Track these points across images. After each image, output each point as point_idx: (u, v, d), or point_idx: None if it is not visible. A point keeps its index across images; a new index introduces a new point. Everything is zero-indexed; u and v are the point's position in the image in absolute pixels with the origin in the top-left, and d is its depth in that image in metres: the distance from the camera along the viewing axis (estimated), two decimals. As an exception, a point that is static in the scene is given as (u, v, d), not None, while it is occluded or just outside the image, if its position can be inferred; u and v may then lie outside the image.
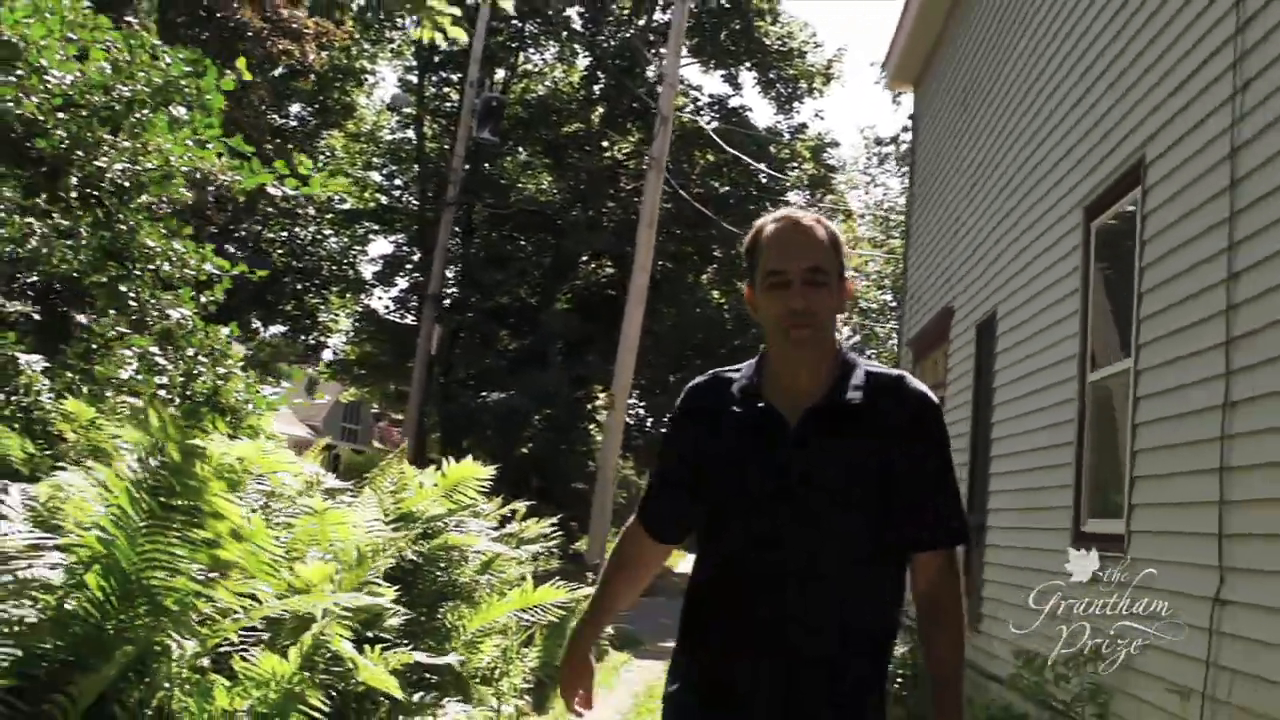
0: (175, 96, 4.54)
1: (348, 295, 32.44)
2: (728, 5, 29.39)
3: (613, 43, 30.06)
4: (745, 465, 2.62)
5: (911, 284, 13.91)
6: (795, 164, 29.98)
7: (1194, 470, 5.03)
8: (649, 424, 31.51)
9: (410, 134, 34.03)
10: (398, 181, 35.65)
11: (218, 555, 3.15)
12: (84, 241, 4.92)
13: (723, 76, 31.17)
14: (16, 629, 3.01)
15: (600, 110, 30.40)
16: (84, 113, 4.30)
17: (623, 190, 29.76)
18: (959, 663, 2.66)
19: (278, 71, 22.71)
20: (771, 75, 30.69)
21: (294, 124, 29.72)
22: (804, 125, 30.98)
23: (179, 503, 3.10)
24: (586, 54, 31.48)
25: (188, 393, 4.83)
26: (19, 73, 4.27)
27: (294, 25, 18.95)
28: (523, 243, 30.46)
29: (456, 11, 4.59)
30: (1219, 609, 4.67)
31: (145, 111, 4.43)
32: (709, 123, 29.40)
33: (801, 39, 30.38)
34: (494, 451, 25.19)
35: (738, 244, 27.93)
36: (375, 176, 35.94)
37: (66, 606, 3.04)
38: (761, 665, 2.54)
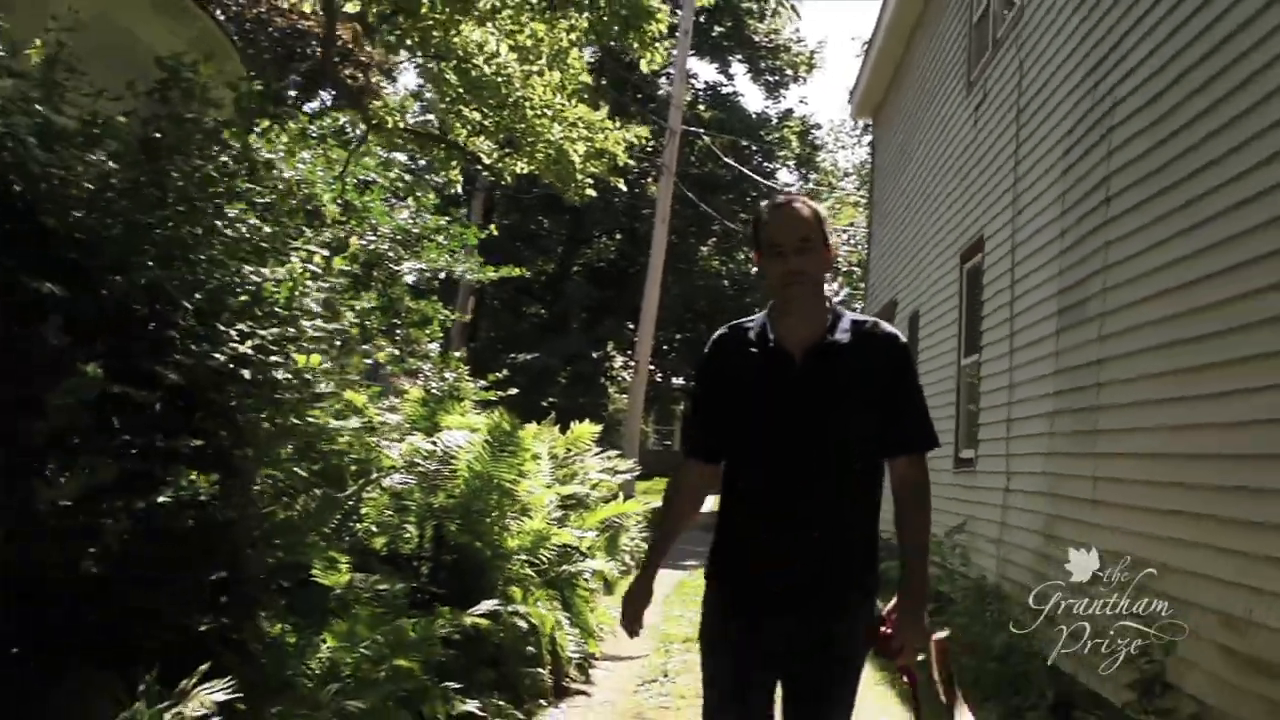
0: (443, 233, 8.33)
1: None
2: (721, 4, 33.06)
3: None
4: (764, 390, 3.28)
5: (872, 276, 17.97)
6: (783, 148, 33.82)
7: (996, 421, 9.11)
8: (659, 378, 35.42)
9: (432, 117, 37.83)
10: (422, 162, 39.52)
11: (521, 469, 7.16)
12: (372, 304, 8.86)
13: (715, 68, 34.86)
14: (431, 504, 7.00)
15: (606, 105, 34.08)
16: (390, 240, 8.10)
17: (632, 172, 33.56)
18: (926, 539, 3.38)
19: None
20: (761, 65, 34.41)
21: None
22: (790, 110, 34.77)
23: (506, 446, 7.09)
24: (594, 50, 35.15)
25: (451, 389, 8.72)
26: (353, 223, 8.07)
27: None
28: (543, 220, 34.18)
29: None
30: (1007, 494, 8.74)
31: (426, 240, 8.18)
32: (705, 110, 33.14)
33: (787, 34, 34.10)
34: (521, 405, 29.13)
35: (736, 220, 31.79)
36: (401, 157, 39.78)
37: (455, 493, 7.02)
38: (782, 540, 3.23)
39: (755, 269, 4.13)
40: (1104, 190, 6.75)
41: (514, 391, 8.36)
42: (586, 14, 6.41)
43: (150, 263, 3.25)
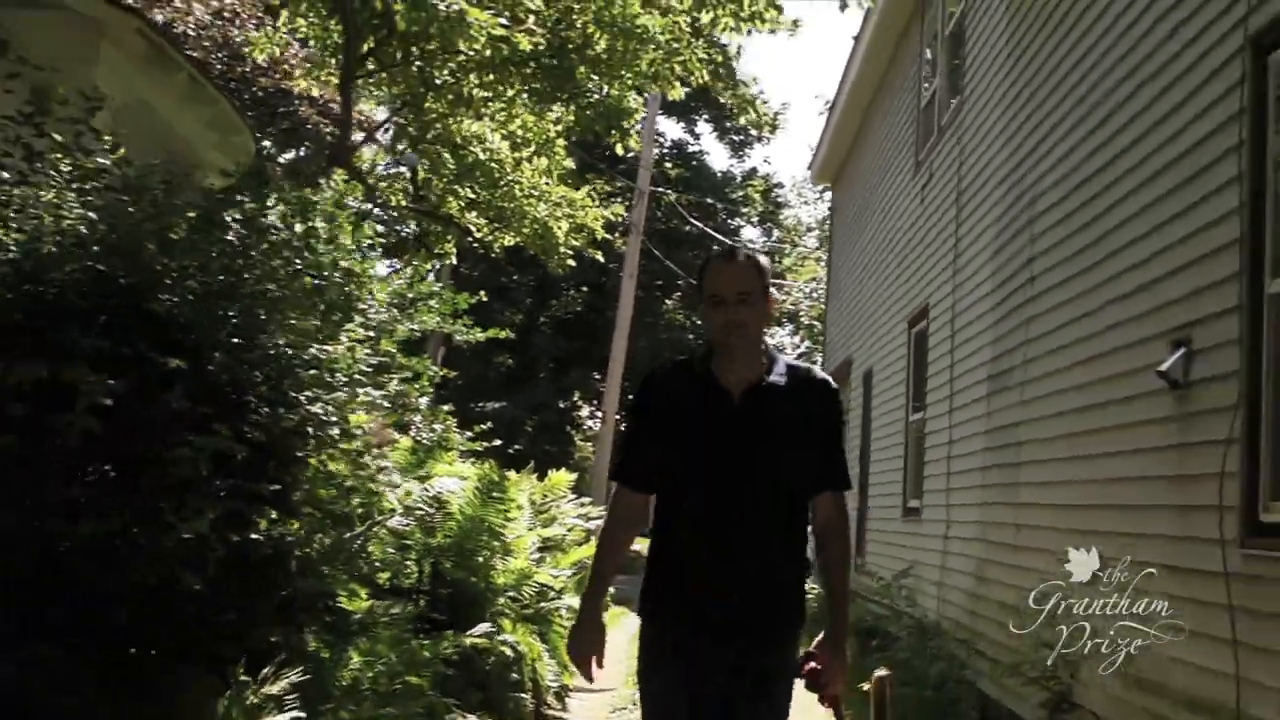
0: (433, 298, 9.15)
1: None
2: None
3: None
4: (703, 424, 3.46)
5: (830, 333, 18.94)
6: (747, 205, 34.93)
7: (938, 474, 10.00)
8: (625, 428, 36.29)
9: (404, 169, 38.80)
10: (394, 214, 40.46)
11: (507, 514, 7.97)
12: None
13: (682, 127, 36.01)
14: (429, 543, 7.78)
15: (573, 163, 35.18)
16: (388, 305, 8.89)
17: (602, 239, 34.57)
18: (846, 573, 3.62)
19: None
20: (726, 125, 35.59)
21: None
22: (754, 170, 35.95)
23: (494, 492, 7.89)
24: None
25: (439, 439, 9.50)
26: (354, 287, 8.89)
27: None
28: (513, 273, 35.06)
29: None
30: (946, 540, 9.60)
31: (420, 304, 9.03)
32: (671, 168, 34.22)
33: (749, 94, 35.28)
34: (489, 453, 29.98)
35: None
36: (377, 210, 40.71)
37: (450, 534, 7.81)
38: (711, 562, 3.40)
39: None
40: (1028, 271, 7.68)
41: (497, 442, 9.11)
42: (573, 107, 7.26)
43: (234, 340, 4.07)
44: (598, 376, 33.14)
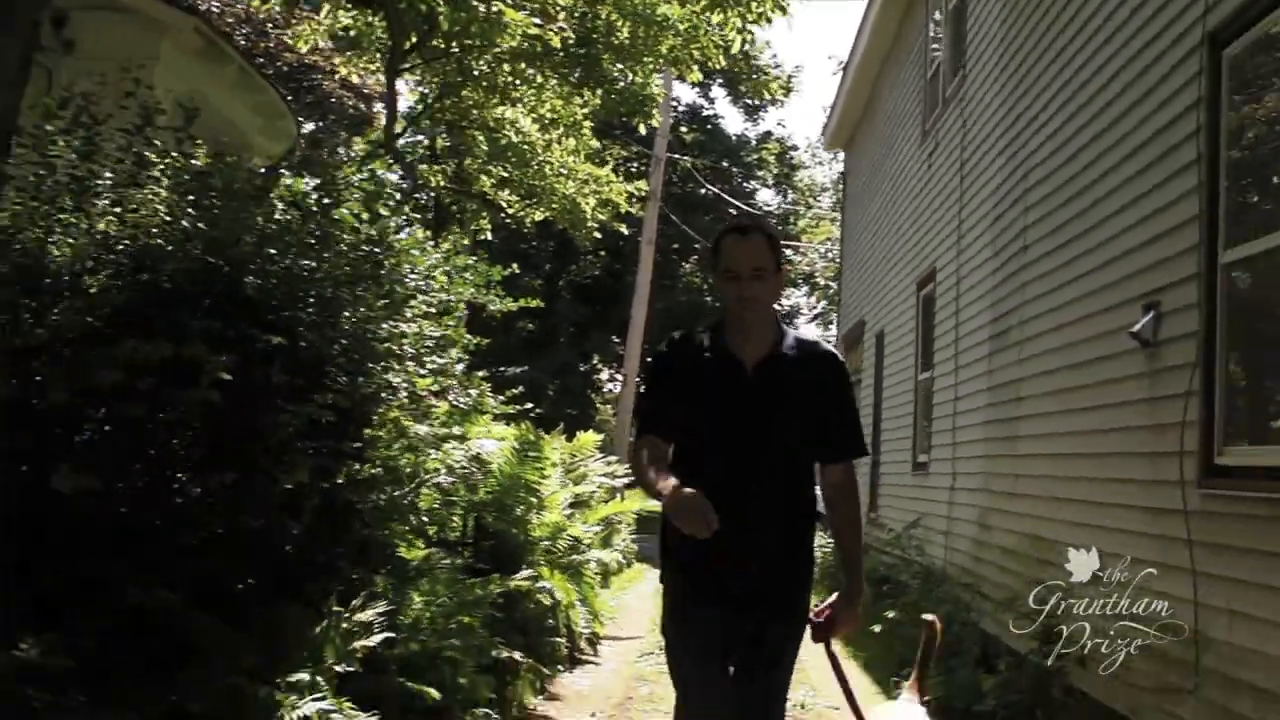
0: (469, 270, 9.75)
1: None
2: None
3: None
4: (717, 393, 3.62)
5: (844, 295, 19.50)
6: (762, 168, 35.40)
7: (944, 429, 10.61)
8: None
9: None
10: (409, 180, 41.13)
11: (542, 472, 8.62)
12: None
13: (697, 92, 36.43)
14: (472, 499, 8.44)
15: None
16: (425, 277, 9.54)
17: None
18: (858, 536, 3.79)
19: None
20: (741, 89, 36.00)
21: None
22: (769, 133, 36.36)
23: (530, 452, 8.54)
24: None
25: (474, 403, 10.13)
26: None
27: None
28: (533, 241, 35.65)
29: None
30: (953, 492, 10.22)
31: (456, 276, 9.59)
32: (686, 133, 34.68)
33: (765, 59, 35.68)
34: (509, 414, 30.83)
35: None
36: (393, 177, 41.34)
37: (491, 490, 8.46)
38: (739, 523, 3.43)
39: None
40: (1022, 239, 8.26)
41: (529, 406, 9.74)
42: (599, 92, 7.84)
43: (316, 318, 4.70)
44: (617, 340, 33.81)
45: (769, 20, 7.53)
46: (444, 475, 8.35)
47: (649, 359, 3.89)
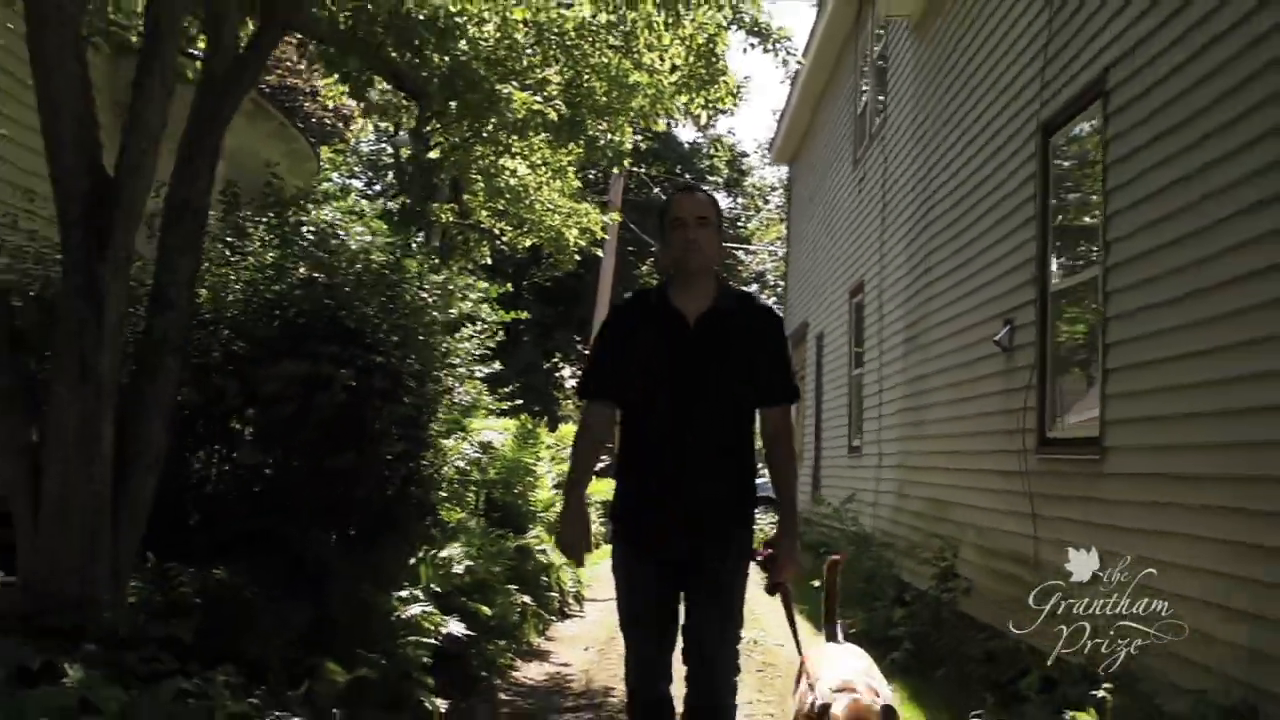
0: (469, 290, 11.52)
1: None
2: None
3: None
4: (664, 346, 3.98)
5: (790, 297, 21.47)
6: (714, 173, 37.35)
7: (872, 417, 12.55)
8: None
9: (388, 146, 40.94)
10: (377, 188, 42.70)
11: (537, 455, 10.46)
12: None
13: (652, 102, 38.24)
14: (483, 479, 10.26)
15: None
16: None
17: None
18: (794, 479, 4.18)
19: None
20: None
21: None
22: (719, 139, 38.31)
23: (528, 440, 10.38)
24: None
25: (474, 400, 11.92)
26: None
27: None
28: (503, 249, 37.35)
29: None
30: (879, 470, 12.13)
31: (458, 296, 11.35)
32: (642, 142, 36.45)
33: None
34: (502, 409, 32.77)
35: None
36: (357, 184, 42.91)
37: (498, 471, 10.28)
38: (678, 473, 3.91)
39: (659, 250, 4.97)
40: (926, 263, 10.21)
41: (519, 402, 11.52)
42: (582, 146, 9.67)
43: (395, 340, 6.54)
44: (578, 339, 35.61)
45: (721, 107, 9.33)
46: (459, 460, 10.22)
47: (604, 321, 4.28)
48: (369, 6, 7.10)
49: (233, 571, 5.55)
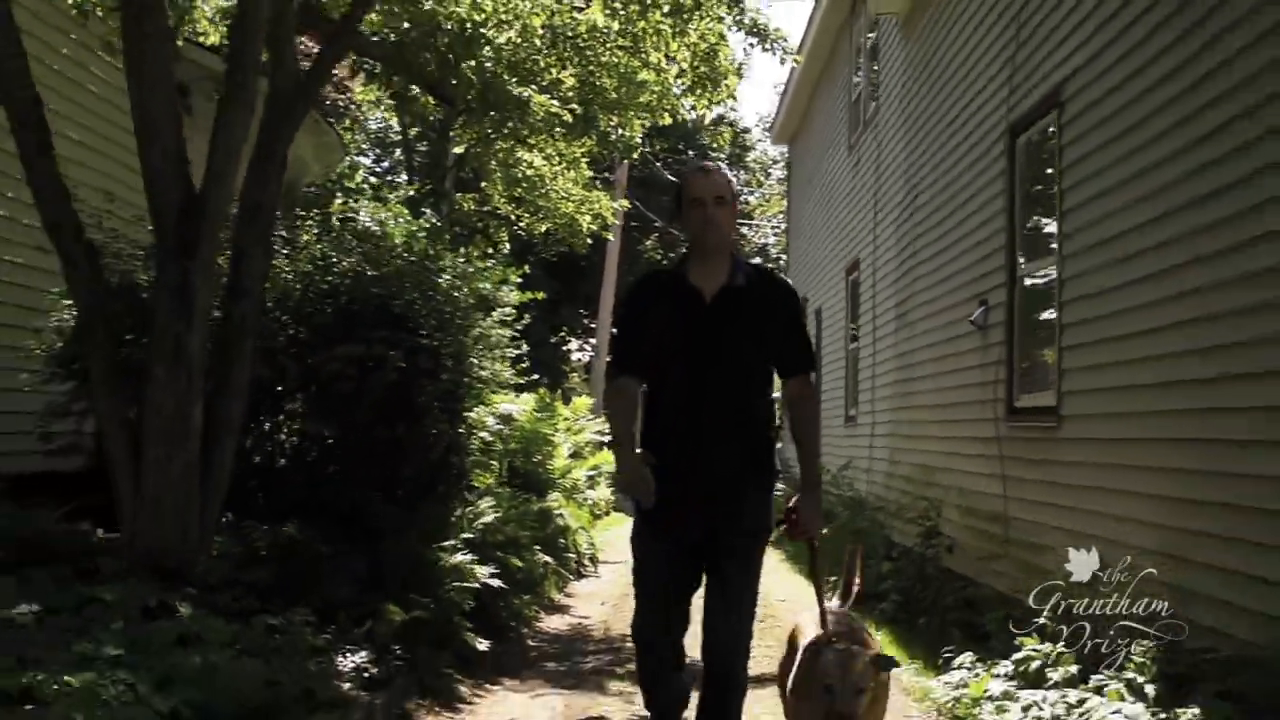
0: (488, 271, 12.32)
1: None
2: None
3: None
4: (681, 321, 4.14)
5: (791, 275, 22.27)
6: (717, 150, 38.05)
7: (867, 389, 13.38)
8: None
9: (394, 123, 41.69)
10: (385, 164, 43.41)
11: (554, 426, 11.30)
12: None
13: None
14: (505, 448, 11.11)
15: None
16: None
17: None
18: (818, 442, 4.31)
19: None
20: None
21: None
22: (721, 116, 38.93)
23: (544, 412, 11.23)
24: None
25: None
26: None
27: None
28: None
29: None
30: (873, 438, 12.97)
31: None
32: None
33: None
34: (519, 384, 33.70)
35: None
36: (365, 161, 43.64)
37: (519, 440, 11.13)
38: (699, 439, 4.09)
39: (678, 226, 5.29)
40: (912, 246, 11.02)
41: (535, 377, 12.35)
42: (594, 140, 10.47)
43: (433, 323, 7.37)
44: (584, 313, 36.42)
45: (730, 99, 10.11)
46: (483, 432, 11.07)
47: (623, 299, 4.46)
48: (407, 26, 7.88)
49: (298, 528, 6.41)
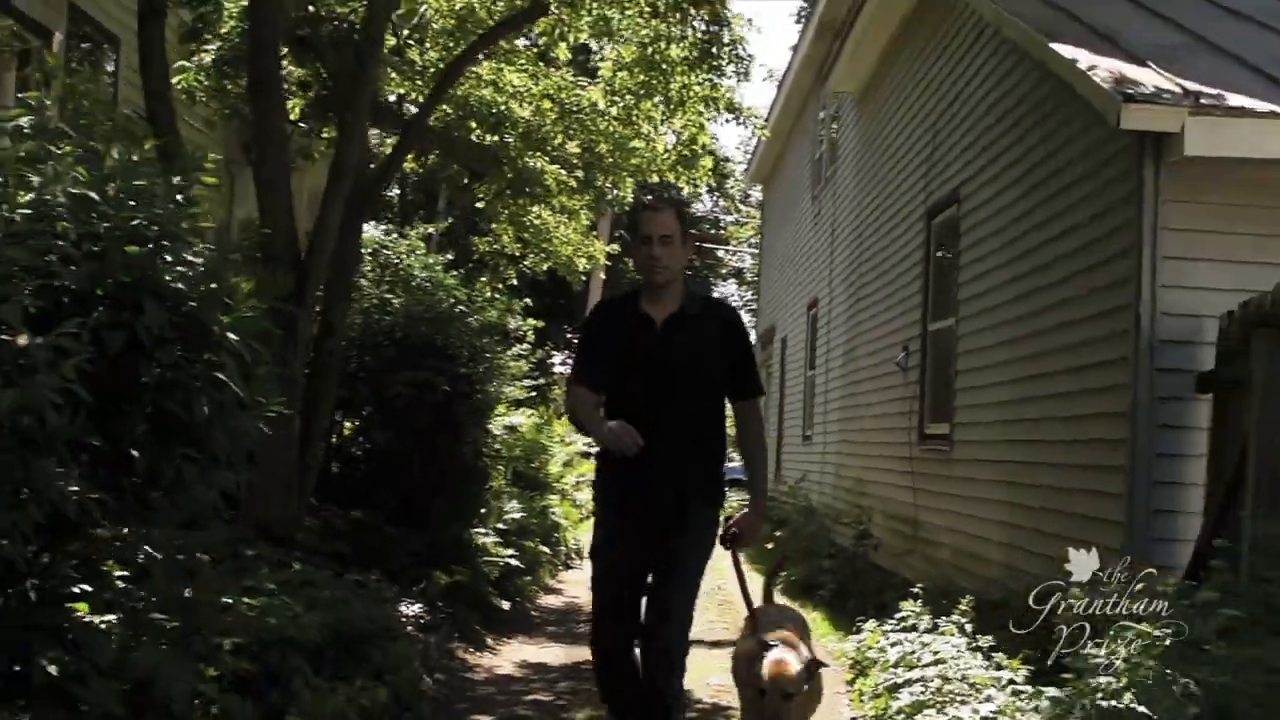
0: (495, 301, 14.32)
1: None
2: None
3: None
4: (633, 348, 4.37)
5: (762, 302, 24.36)
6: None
7: (821, 411, 15.43)
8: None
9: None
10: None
11: (550, 437, 13.27)
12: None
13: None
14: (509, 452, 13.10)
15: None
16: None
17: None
18: (763, 462, 4.67)
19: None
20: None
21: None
22: (704, 146, 40.91)
23: (545, 426, 13.21)
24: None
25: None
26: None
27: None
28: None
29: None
30: (824, 454, 15.02)
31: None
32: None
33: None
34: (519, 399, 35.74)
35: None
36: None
37: (521, 449, 13.10)
38: (650, 451, 4.17)
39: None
40: (859, 293, 13.08)
41: (533, 393, 14.32)
42: (593, 198, 12.53)
43: (465, 354, 9.36)
44: (568, 329, 38.36)
45: (705, 177, 12.21)
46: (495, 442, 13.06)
47: (582, 323, 4.66)
48: (447, 110, 9.92)
49: (365, 513, 8.40)
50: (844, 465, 13.51)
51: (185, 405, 3.67)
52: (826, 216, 15.85)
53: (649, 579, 4.42)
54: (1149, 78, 5.82)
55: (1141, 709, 3.54)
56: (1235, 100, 5.60)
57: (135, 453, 3.69)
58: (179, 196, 4.06)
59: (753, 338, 25.46)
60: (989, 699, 5.08)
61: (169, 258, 3.71)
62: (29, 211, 3.57)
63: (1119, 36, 6.65)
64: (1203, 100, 5.53)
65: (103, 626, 4.01)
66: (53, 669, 3.66)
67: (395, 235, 12.81)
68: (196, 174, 4.61)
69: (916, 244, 10.43)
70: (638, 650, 4.44)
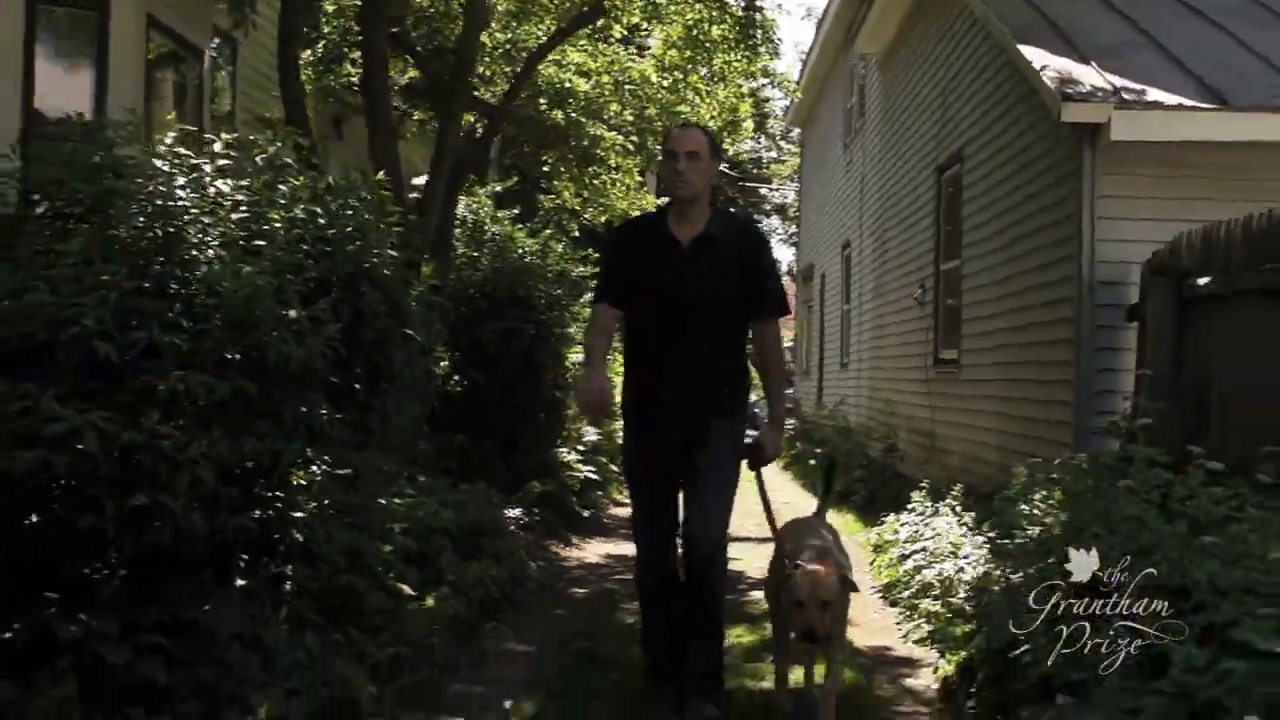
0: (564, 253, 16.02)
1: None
2: None
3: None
4: (659, 267, 4.41)
5: (802, 239, 25.87)
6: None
7: (858, 343, 17.05)
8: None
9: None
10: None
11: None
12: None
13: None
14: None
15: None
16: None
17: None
18: (782, 381, 4.75)
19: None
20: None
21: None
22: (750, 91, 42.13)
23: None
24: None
25: None
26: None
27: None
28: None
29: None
30: (858, 381, 16.65)
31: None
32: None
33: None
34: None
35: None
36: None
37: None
38: (672, 372, 4.39)
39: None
40: (883, 236, 14.62)
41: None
42: (645, 159, 14.21)
43: (543, 303, 11.04)
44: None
45: (750, 138, 13.81)
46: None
47: (607, 242, 4.43)
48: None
49: (466, 437, 10.16)
50: (875, 389, 15.13)
51: (388, 357, 5.41)
52: (857, 166, 17.32)
53: (679, 480, 4.54)
54: (1089, 76, 7.36)
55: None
56: (1153, 95, 7.14)
57: (357, 386, 5.44)
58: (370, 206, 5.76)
59: (794, 270, 27.02)
60: (966, 556, 6.75)
61: (376, 251, 5.43)
62: (280, 225, 5.29)
63: (1078, 35, 8.16)
64: (1125, 96, 7.08)
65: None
66: (299, 536, 5.42)
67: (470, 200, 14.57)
68: (369, 184, 6.30)
69: (929, 195, 11.96)
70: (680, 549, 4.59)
